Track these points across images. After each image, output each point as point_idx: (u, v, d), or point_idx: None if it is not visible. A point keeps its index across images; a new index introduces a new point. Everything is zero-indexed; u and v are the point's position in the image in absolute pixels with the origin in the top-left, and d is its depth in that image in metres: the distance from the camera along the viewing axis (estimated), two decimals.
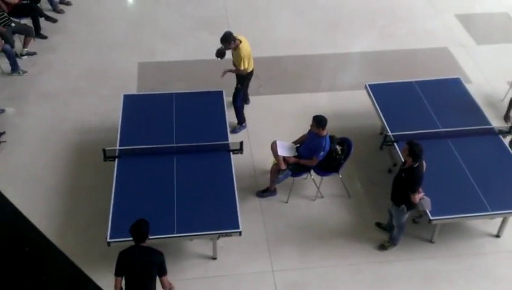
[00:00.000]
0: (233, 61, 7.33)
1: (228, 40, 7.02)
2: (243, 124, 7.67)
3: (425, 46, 9.45)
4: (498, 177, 6.30)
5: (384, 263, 6.06)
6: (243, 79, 7.44)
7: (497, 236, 6.34)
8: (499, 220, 6.26)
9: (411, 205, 5.64)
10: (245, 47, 7.14)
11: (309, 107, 7.78)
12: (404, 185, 5.53)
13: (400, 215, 5.77)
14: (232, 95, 7.48)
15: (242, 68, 7.18)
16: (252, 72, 7.43)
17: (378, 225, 6.37)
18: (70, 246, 5.84)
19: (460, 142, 6.67)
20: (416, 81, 7.64)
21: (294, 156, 6.47)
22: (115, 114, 7.11)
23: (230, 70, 7.34)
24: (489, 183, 6.20)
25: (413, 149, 5.35)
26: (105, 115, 7.72)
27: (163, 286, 4.77)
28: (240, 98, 7.52)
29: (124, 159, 6.33)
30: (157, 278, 4.76)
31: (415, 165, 5.42)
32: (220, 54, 7.31)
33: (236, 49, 7.11)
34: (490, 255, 6.18)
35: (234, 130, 7.54)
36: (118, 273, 4.72)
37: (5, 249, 2.34)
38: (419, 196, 5.54)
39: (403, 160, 5.70)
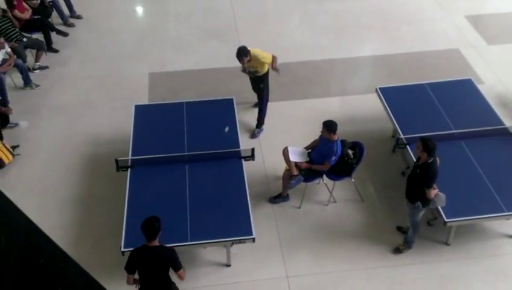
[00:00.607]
0: (252, 72, 7.39)
1: (243, 52, 7.07)
2: (262, 127, 7.70)
3: (436, 48, 9.41)
4: None
5: (400, 266, 6.01)
6: (265, 77, 7.48)
7: None
8: None
9: (426, 202, 5.61)
10: (256, 51, 7.20)
11: (320, 112, 7.77)
12: (419, 181, 5.50)
13: (415, 213, 5.72)
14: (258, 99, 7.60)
15: (269, 61, 7.25)
16: (268, 72, 7.49)
17: (399, 228, 6.32)
18: (85, 256, 5.89)
19: (474, 143, 6.61)
20: (428, 83, 7.59)
21: (306, 162, 6.46)
22: (127, 125, 7.16)
23: (276, 64, 7.39)
24: (504, 183, 6.13)
25: (427, 144, 5.34)
26: (118, 126, 7.79)
27: (179, 279, 4.83)
28: (266, 99, 7.59)
29: (137, 169, 6.37)
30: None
31: (430, 161, 5.40)
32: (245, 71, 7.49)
33: (251, 60, 7.16)
34: (507, 256, 6.10)
35: (254, 135, 7.63)
36: (128, 270, 4.77)
37: (21, 261, 2.36)
38: (435, 192, 5.51)
39: (414, 160, 5.67)
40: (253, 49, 7.20)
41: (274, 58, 7.35)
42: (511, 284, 5.82)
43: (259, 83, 7.51)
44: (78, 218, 6.58)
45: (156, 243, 4.72)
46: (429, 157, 5.39)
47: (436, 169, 5.45)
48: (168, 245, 5.26)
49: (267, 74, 7.49)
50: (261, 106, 7.65)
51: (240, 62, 7.22)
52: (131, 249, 5.48)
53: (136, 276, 4.86)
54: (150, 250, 4.72)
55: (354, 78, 8.94)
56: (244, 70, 7.51)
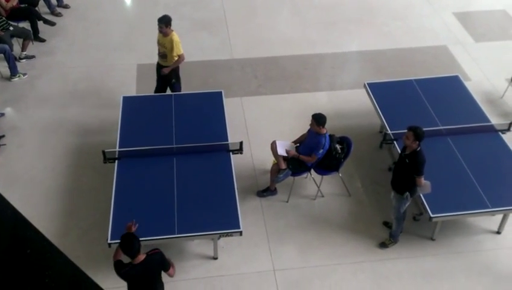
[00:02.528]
0: (163, 53, 7.23)
1: (167, 22, 7.03)
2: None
3: (424, 44, 9.46)
4: (498, 174, 6.31)
5: (386, 260, 6.07)
6: (177, 71, 7.39)
7: (498, 233, 6.35)
8: (499, 216, 6.27)
9: (414, 192, 5.67)
10: (176, 35, 7.13)
11: (308, 106, 7.78)
12: (409, 171, 5.55)
13: (402, 204, 5.77)
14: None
15: (180, 52, 7.15)
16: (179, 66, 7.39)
17: (386, 224, 6.37)
18: (72, 247, 5.87)
19: (460, 139, 6.68)
20: (415, 80, 7.65)
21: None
22: (115, 116, 7.11)
23: (173, 65, 7.26)
24: (489, 180, 6.20)
25: (417, 132, 5.39)
26: (105, 117, 7.73)
27: (170, 276, 4.77)
28: (179, 87, 7.50)
29: (124, 161, 6.33)
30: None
31: (418, 149, 5.45)
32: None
33: (168, 37, 7.08)
34: (491, 252, 6.18)
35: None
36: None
37: (7, 252, 2.34)
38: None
39: (398, 150, 5.70)
40: (175, 33, 7.11)
41: (179, 59, 7.21)
42: (494, 279, 5.90)
43: (171, 78, 7.37)
44: (65, 209, 6.53)
45: (142, 257, 4.53)
46: (418, 146, 5.44)
47: (424, 156, 5.50)
48: (155, 238, 5.26)
49: (177, 68, 7.37)
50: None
51: (160, 30, 7.09)
52: (118, 241, 5.46)
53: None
54: (140, 266, 4.53)
55: (342, 73, 8.96)
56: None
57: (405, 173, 5.62)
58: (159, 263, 4.66)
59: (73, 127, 7.66)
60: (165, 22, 7.07)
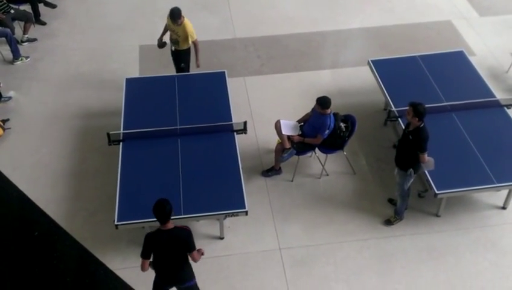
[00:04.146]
0: (175, 39, 7.24)
1: (179, 14, 6.99)
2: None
3: (428, 19, 9.35)
4: (503, 149, 6.29)
5: (391, 237, 6.09)
6: (187, 56, 7.39)
7: (504, 208, 6.36)
8: (504, 192, 6.27)
9: (417, 168, 5.67)
10: (189, 22, 7.11)
11: (312, 85, 7.75)
12: (412, 147, 5.54)
13: (406, 180, 5.78)
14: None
15: (195, 39, 7.15)
16: (190, 49, 7.38)
17: (391, 201, 6.38)
18: (79, 230, 5.90)
19: (465, 115, 6.64)
20: (420, 56, 7.58)
21: (299, 135, 6.47)
22: (118, 98, 7.11)
23: (198, 54, 7.30)
24: (494, 155, 6.18)
25: (417, 109, 5.36)
26: (108, 99, 7.72)
27: (193, 260, 4.72)
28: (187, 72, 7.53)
29: (129, 143, 6.34)
30: None
31: (422, 125, 5.43)
32: (161, 45, 7.46)
33: (181, 25, 7.06)
34: (496, 227, 6.19)
35: None
36: (145, 256, 4.61)
37: (15, 234, 2.37)
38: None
39: (403, 127, 5.69)
40: (187, 20, 7.09)
41: (197, 46, 7.23)
42: (499, 254, 5.93)
43: (181, 62, 7.38)
44: (71, 192, 6.56)
45: (170, 225, 4.55)
46: (420, 122, 5.42)
47: (428, 132, 5.48)
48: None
49: (188, 52, 7.37)
50: None
51: (174, 23, 7.07)
52: (124, 222, 5.52)
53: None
54: (166, 233, 4.54)
55: (345, 50, 8.89)
56: (161, 45, 7.45)
57: (408, 150, 5.61)
58: (185, 239, 4.59)
59: (77, 109, 7.67)
60: (177, 16, 7.01)
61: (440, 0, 9.86)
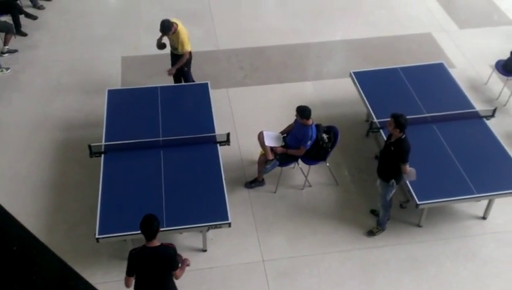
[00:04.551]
0: (172, 46, 7.42)
1: (169, 27, 7.12)
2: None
3: (409, 32, 9.50)
4: (483, 160, 6.38)
5: (373, 248, 6.12)
6: (188, 60, 7.50)
7: (484, 218, 6.44)
8: (484, 202, 6.35)
9: (400, 179, 5.72)
10: (183, 29, 7.25)
11: (295, 96, 7.79)
12: (394, 158, 5.59)
13: (388, 191, 5.82)
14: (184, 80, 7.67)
15: (185, 50, 7.27)
16: (191, 53, 7.49)
17: (373, 212, 6.42)
18: (59, 243, 5.84)
19: (445, 126, 6.73)
20: (401, 68, 7.68)
21: (282, 146, 6.49)
22: (100, 110, 7.06)
23: (177, 65, 7.41)
24: (474, 166, 6.27)
25: (398, 120, 5.42)
26: (90, 111, 7.67)
27: (175, 277, 4.63)
28: (190, 75, 7.65)
29: (111, 155, 6.29)
30: None
31: (403, 137, 5.49)
32: (161, 46, 7.52)
33: (175, 33, 7.20)
34: (477, 237, 6.27)
35: None
36: (130, 273, 4.52)
37: None
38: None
39: (385, 138, 5.75)
40: (181, 26, 7.22)
41: (183, 58, 7.32)
42: (479, 264, 5.99)
43: (183, 66, 7.48)
44: (51, 204, 6.49)
45: (156, 242, 4.47)
46: (402, 133, 5.48)
47: (409, 143, 5.54)
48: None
49: (190, 57, 7.49)
50: (187, 81, 7.67)
51: (166, 35, 7.26)
52: (105, 235, 5.46)
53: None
54: (152, 251, 4.45)
55: (328, 62, 8.97)
56: (160, 46, 7.54)
57: (390, 161, 5.66)
58: (171, 258, 4.51)
59: (58, 121, 7.59)
60: (167, 29, 7.14)
61: (421, 13, 10.02)
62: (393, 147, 5.56)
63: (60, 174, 6.87)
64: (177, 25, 7.18)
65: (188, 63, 7.53)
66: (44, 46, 9.01)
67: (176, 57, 7.48)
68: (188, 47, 7.31)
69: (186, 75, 7.60)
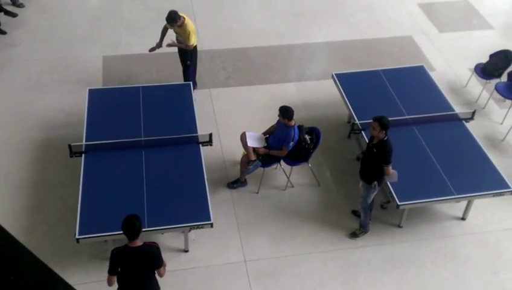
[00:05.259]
0: (177, 40, 7.51)
1: (175, 19, 7.19)
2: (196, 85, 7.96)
3: (390, 35, 9.59)
4: (462, 161, 6.47)
5: (355, 248, 6.16)
6: (192, 54, 7.59)
7: (463, 219, 6.53)
8: (464, 203, 6.44)
9: (381, 181, 5.76)
10: (190, 23, 7.32)
11: (277, 97, 7.81)
12: (377, 160, 5.62)
13: (370, 193, 5.86)
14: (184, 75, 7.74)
15: (191, 43, 7.36)
16: (196, 47, 7.59)
17: (354, 212, 6.46)
18: (38, 244, 5.76)
19: (425, 128, 6.81)
20: (382, 70, 7.75)
21: (264, 147, 6.49)
22: (80, 109, 6.98)
23: (176, 44, 7.48)
24: (453, 167, 6.35)
25: (383, 122, 5.45)
26: (70, 110, 7.58)
27: (159, 275, 4.63)
28: (192, 71, 7.72)
29: (91, 155, 6.23)
30: None
31: (385, 138, 5.53)
32: (153, 49, 7.67)
33: (182, 26, 7.27)
34: (456, 238, 6.35)
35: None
36: (111, 272, 4.50)
37: None
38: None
39: (366, 140, 5.79)
40: (188, 20, 7.31)
41: (188, 46, 7.42)
42: (459, 265, 6.07)
43: (186, 60, 7.58)
44: (30, 205, 6.40)
45: (139, 242, 4.44)
46: (384, 135, 5.52)
47: (391, 145, 5.57)
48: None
49: (192, 52, 7.56)
50: (187, 78, 7.73)
51: (171, 27, 7.34)
52: (86, 236, 5.40)
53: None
54: (134, 251, 4.42)
55: (311, 63, 9.01)
56: (153, 49, 7.63)
57: (373, 163, 5.70)
58: (154, 256, 4.49)
59: (37, 121, 7.49)
60: (173, 20, 7.20)
61: (402, 16, 10.13)
62: (376, 149, 5.60)
63: (39, 174, 6.77)
64: (184, 18, 7.24)
65: (192, 57, 7.59)
66: (24, 45, 8.89)
67: (184, 53, 7.55)
68: (194, 41, 7.39)
69: (188, 69, 7.65)
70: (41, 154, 7.03)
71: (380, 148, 5.57)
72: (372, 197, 5.92)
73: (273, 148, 6.45)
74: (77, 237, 5.39)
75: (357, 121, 6.78)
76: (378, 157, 5.60)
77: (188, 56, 7.56)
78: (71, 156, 6.23)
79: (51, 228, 6.13)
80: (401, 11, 10.25)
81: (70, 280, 2.87)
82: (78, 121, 6.89)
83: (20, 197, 6.46)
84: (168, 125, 6.64)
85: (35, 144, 7.15)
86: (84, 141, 6.36)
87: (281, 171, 6.78)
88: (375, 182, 5.75)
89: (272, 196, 6.68)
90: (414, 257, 6.11)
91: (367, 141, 6.15)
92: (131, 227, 4.36)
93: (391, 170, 5.65)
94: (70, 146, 6.18)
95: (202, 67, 8.59)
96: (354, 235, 6.27)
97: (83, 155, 6.21)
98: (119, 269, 4.52)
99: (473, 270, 6.02)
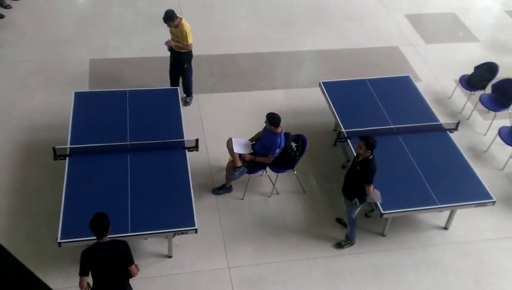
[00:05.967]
0: (174, 40, 7.48)
1: (172, 18, 7.20)
2: (192, 95, 7.97)
3: (377, 45, 9.68)
4: (446, 172, 6.52)
5: (338, 256, 6.18)
6: (189, 57, 7.58)
7: (445, 228, 6.58)
8: (446, 213, 6.50)
9: (363, 198, 5.78)
10: (186, 23, 7.33)
11: (264, 104, 7.82)
12: (359, 177, 5.65)
13: (352, 209, 5.89)
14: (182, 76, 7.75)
15: (188, 43, 7.35)
16: (191, 51, 7.60)
17: (338, 220, 6.48)
18: (20, 247, 5.69)
19: (410, 138, 6.87)
20: (369, 79, 7.82)
21: (250, 153, 6.50)
22: (66, 112, 6.93)
23: (176, 43, 7.44)
24: (437, 177, 6.41)
25: (369, 142, 5.48)
26: (56, 113, 7.52)
27: (131, 274, 4.64)
28: (190, 72, 7.71)
29: (75, 158, 6.18)
30: None
31: (371, 157, 5.55)
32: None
33: (179, 26, 7.27)
34: (439, 247, 6.40)
35: (187, 103, 7.89)
36: (83, 273, 4.52)
37: None
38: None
39: (355, 154, 5.82)
40: (184, 21, 7.32)
41: (186, 46, 7.42)
42: (441, 274, 6.11)
43: (183, 63, 7.55)
44: (13, 207, 6.31)
45: (107, 238, 4.54)
46: (370, 154, 5.55)
47: (376, 164, 5.61)
48: (108, 236, 5.14)
49: (189, 55, 7.56)
50: (186, 78, 7.74)
51: (168, 26, 7.33)
52: (68, 240, 5.35)
53: (90, 280, 4.61)
54: (103, 246, 4.51)
55: (298, 71, 9.05)
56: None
57: (355, 180, 5.72)
58: (124, 253, 4.54)
59: (22, 123, 7.41)
60: (169, 20, 7.21)
61: (389, 27, 10.24)
62: (360, 167, 5.62)
63: (22, 176, 6.69)
64: (181, 18, 7.26)
65: (188, 60, 7.59)
66: (10, 46, 8.81)
67: (180, 57, 7.52)
68: (192, 40, 7.37)
69: (186, 72, 7.64)
70: (25, 156, 6.96)
71: (363, 166, 5.59)
72: (355, 212, 5.94)
73: (260, 155, 6.46)
74: (59, 241, 5.33)
75: (343, 130, 6.82)
76: (361, 175, 5.63)
77: (185, 59, 7.54)
78: (55, 159, 6.18)
79: (33, 231, 6.06)
80: (389, 22, 10.36)
81: (51, 283, 2.85)
82: (63, 124, 6.83)
83: (2, 200, 6.38)
84: (154, 129, 6.61)
85: (18, 146, 7.07)
86: (68, 144, 6.30)
87: (266, 178, 6.78)
88: (356, 199, 5.77)
89: (257, 203, 6.68)
90: (397, 266, 6.15)
91: (353, 149, 6.19)
92: (100, 224, 4.47)
93: (372, 190, 5.68)
94: (54, 149, 6.13)
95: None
96: (339, 245, 6.27)
97: (67, 158, 6.16)
98: (91, 270, 4.55)
99: (454, 279, 6.07)
